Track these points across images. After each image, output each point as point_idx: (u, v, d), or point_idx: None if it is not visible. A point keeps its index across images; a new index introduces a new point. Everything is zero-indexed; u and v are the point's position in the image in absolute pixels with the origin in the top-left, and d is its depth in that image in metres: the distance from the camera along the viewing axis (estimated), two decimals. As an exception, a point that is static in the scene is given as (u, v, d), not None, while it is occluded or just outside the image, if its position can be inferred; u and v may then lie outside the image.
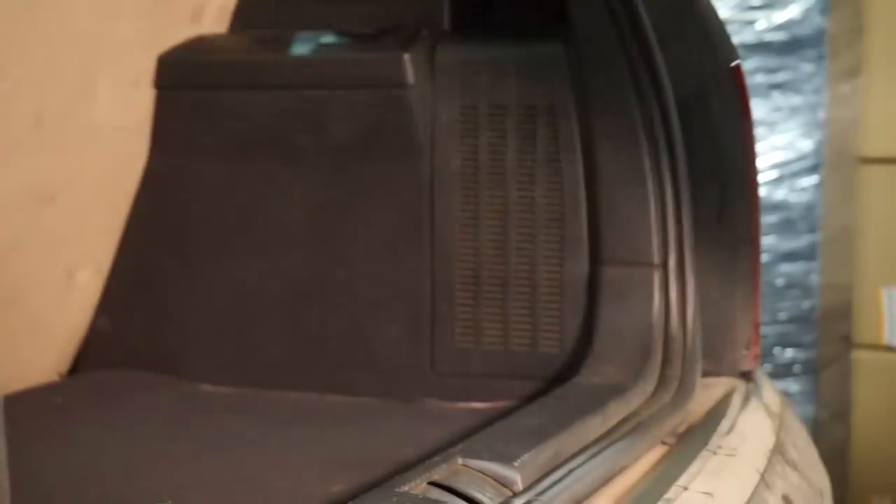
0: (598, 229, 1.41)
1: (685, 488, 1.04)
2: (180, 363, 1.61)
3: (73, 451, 1.31)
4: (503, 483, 0.94)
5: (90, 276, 1.64)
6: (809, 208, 2.86)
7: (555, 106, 1.40)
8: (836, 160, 2.85)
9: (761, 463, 1.18)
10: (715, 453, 1.14)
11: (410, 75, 1.49)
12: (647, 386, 1.27)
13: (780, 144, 2.86)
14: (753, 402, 1.33)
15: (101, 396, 1.53)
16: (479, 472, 0.95)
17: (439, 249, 1.48)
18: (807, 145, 2.85)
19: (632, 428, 1.14)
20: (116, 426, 1.42)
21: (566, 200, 1.42)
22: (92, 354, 1.67)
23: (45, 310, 1.58)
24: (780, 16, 2.80)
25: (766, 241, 2.87)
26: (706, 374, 1.40)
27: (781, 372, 2.88)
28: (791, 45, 2.83)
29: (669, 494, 1.02)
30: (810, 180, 2.85)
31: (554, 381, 1.38)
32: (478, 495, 0.91)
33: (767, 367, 2.86)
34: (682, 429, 1.23)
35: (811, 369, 2.89)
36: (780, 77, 2.85)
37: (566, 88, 1.40)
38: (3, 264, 1.47)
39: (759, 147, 2.85)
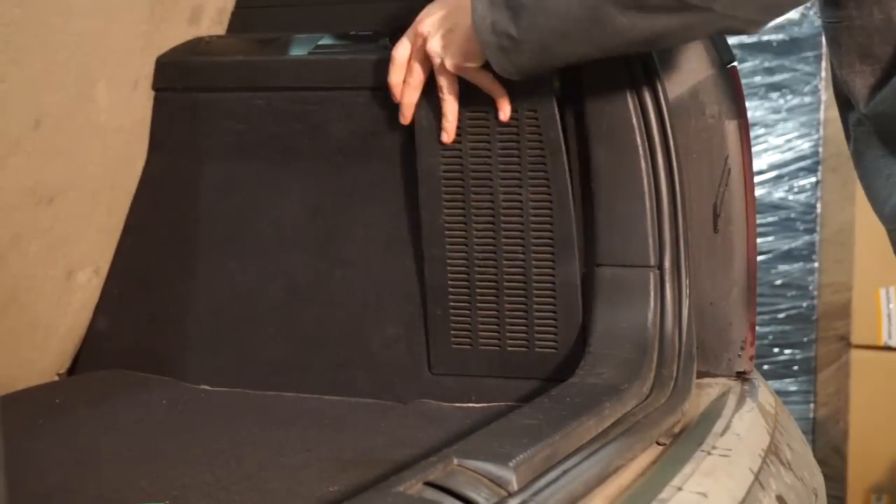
0: (595, 231, 1.41)
1: (679, 489, 1.04)
2: (178, 363, 1.61)
3: (71, 451, 1.32)
4: (498, 483, 0.95)
5: (89, 277, 1.64)
6: (808, 208, 2.87)
7: (537, 110, 1.39)
8: (835, 160, 2.85)
9: (756, 463, 1.19)
10: (709, 454, 1.14)
11: (408, 77, 1.49)
12: (643, 386, 1.27)
13: (778, 145, 2.87)
14: (748, 403, 1.33)
15: (100, 396, 1.54)
16: (475, 472, 0.95)
17: (429, 253, 1.48)
18: (805, 145, 2.85)
19: (627, 428, 1.14)
20: (115, 426, 1.42)
21: (553, 203, 1.42)
22: (91, 354, 1.68)
23: (45, 310, 1.59)
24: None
25: (765, 240, 2.87)
26: (701, 374, 1.41)
27: (780, 371, 2.89)
28: (789, 46, 2.84)
29: (664, 495, 1.02)
30: (809, 180, 2.86)
31: (550, 382, 1.38)
32: (473, 495, 0.92)
33: (766, 366, 2.87)
34: (677, 429, 1.23)
35: (809, 369, 2.89)
36: (778, 77, 2.86)
37: (548, 93, 1.39)
38: (3, 264, 1.48)
39: (758, 147, 2.86)
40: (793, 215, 2.88)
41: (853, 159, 1.32)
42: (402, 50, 1.36)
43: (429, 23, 1.32)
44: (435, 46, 1.31)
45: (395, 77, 1.38)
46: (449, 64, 1.31)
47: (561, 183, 1.41)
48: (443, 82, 1.34)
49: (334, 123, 1.54)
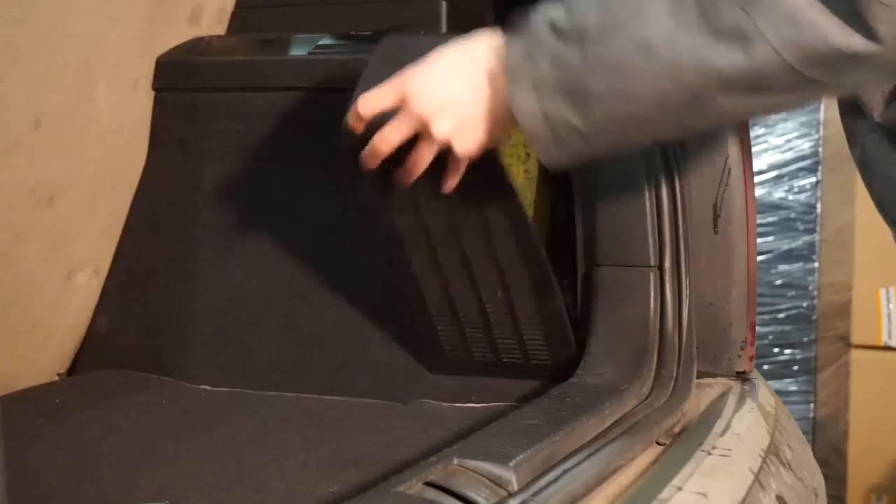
0: (595, 231, 1.41)
1: (679, 488, 1.04)
2: (179, 363, 1.61)
3: (71, 451, 1.32)
4: (499, 483, 0.95)
5: (89, 277, 1.64)
6: (808, 208, 2.87)
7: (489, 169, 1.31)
8: (835, 160, 2.85)
9: (756, 463, 1.19)
10: (709, 454, 1.14)
11: (408, 77, 1.49)
12: (643, 386, 1.27)
13: (778, 144, 2.87)
14: (748, 403, 1.33)
15: (100, 396, 1.54)
16: (475, 472, 0.95)
17: (407, 292, 1.43)
18: (805, 145, 2.85)
19: (627, 428, 1.14)
20: (115, 426, 1.42)
21: (524, 250, 1.35)
22: (91, 354, 1.67)
23: (45, 310, 1.59)
24: (779, 16, 2.80)
25: (765, 240, 2.87)
26: (702, 374, 1.41)
27: (780, 371, 2.89)
28: (789, 46, 2.83)
29: (664, 495, 1.02)
30: (809, 180, 2.86)
31: (550, 382, 1.38)
32: (473, 495, 0.92)
33: (766, 366, 2.87)
34: (677, 429, 1.23)
35: (809, 369, 2.89)
36: (778, 77, 2.85)
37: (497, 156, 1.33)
38: (3, 264, 1.48)
39: (758, 147, 2.86)
40: (793, 215, 2.88)
41: (860, 166, 1.30)
42: (397, 134, 1.13)
43: (431, 104, 1.10)
44: (444, 131, 1.10)
45: (384, 147, 1.15)
46: (458, 151, 1.11)
47: (524, 232, 1.33)
48: (427, 155, 1.14)
49: (334, 123, 1.54)
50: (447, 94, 1.09)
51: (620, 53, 0.95)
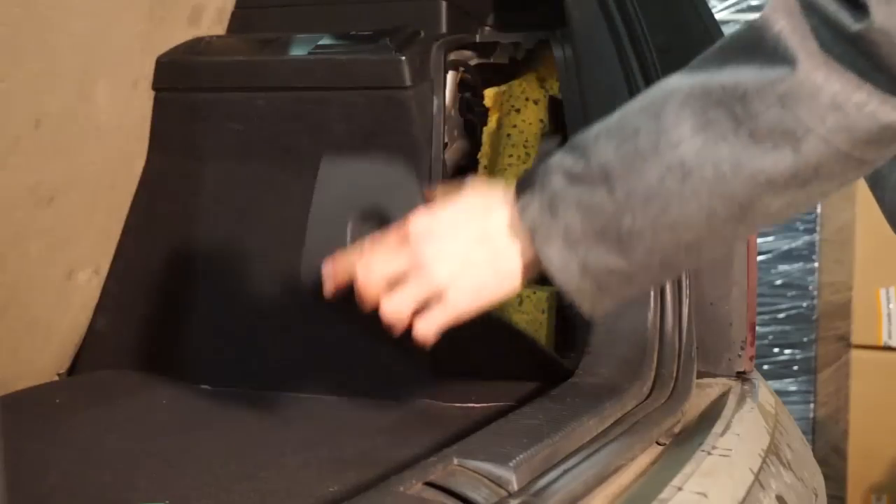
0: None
1: (679, 489, 1.04)
2: (179, 363, 1.61)
3: (71, 451, 1.32)
4: (498, 483, 0.95)
5: (89, 277, 1.64)
6: (808, 208, 2.87)
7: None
8: (835, 160, 2.85)
9: (756, 463, 1.19)
10: (709, 454, 1.15)
11: (408, 77, 1.49)
12: (643, 386, 1.28)
13: (778, 144, 2.87)
14: (748, 403, 1.33)
15: (101, 396, 1.54)
16: (475, 472, 0.95)
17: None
18: (805, 145, 2.85)
19: (627, 428, 1.14)
20: (115, 426, 1.42)
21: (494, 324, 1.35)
22: (91, 354, 1.68)
23: (45, 310, 1.59)
24: (779, 16, 2.80)
25: (765, 240, 2.87)
26: (701, 374, 1.41)
27: (780, 371, 2.89)
28: (789, 46, 2.83)
29: (664, 495, 1.02)
30: (809, 180, 2.86)
31: (550, 382, 1.38)
32: (473, 496, 0.92)
33: (766, 366, 2.87)
34: (677, 429, 1.23)
35: (809, 369, 2.90)
36: (778, 77, 2.85)
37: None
38: (3, 264, 1.48)
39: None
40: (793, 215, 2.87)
41: (871, 181, 1.27)
42: (411, 302, 0.98)
43: (447, 273, 0.97)
44: (459, 298, 0.97)
45: (397, 317, 0.99)
46: (449, 309, 0.97)
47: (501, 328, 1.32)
48: (440, 323, 0.98)
49: (334, 123, 1.54)
50: (463, 258, 0.96)
51: (653, 183, 0.88)
